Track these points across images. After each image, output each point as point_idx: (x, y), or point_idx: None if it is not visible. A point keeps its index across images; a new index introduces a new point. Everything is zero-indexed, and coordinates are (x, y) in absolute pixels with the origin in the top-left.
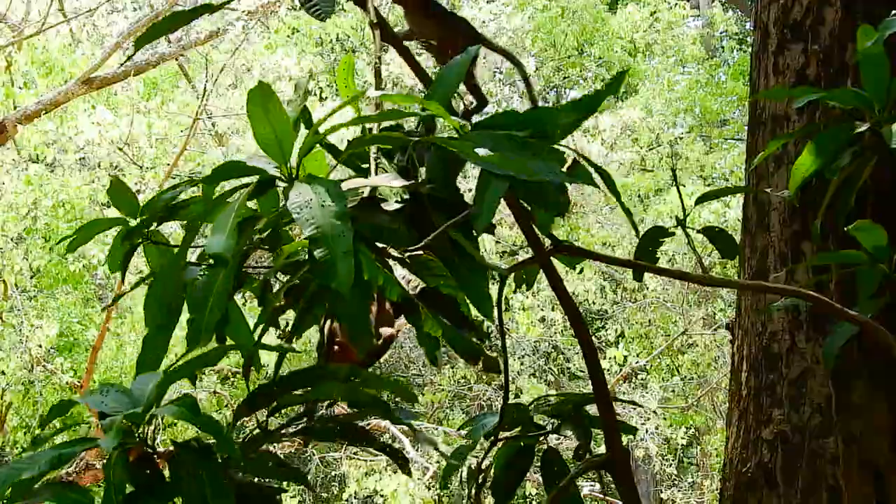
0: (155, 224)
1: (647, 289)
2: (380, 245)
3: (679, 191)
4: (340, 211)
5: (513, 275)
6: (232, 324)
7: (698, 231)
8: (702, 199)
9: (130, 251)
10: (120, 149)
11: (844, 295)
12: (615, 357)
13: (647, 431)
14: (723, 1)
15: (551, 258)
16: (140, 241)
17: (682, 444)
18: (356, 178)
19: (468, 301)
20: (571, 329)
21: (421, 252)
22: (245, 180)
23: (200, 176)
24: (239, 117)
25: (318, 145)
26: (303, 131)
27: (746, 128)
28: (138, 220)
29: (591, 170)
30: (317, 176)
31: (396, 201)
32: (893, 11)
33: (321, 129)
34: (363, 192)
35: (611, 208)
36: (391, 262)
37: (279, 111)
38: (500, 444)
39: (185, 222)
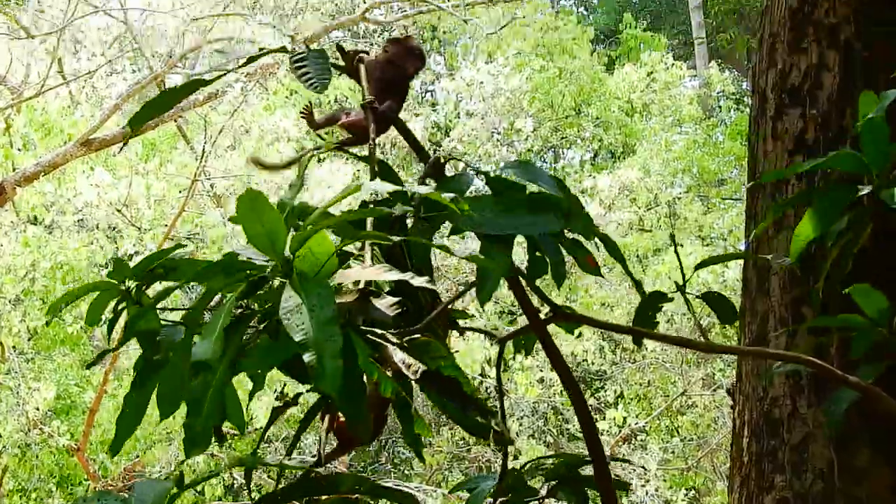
0: (144, 287)
1: (647, 349)
2: (377, 331)
3: (678, 256)
4: (329, 316)
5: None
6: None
7: (697, 296)
8: (701, 266)
9: (117, 314)
10: (118, 210)
11: (846, 359)
12: (614, 418)
13: (647, 493)
14: (719, 61)
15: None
16: (126, 304)
17: None
18: (348, 268)
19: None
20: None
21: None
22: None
23: (195, 238)
24: (237, 178)
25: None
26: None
27: (744, 188)
28: (126, 284)
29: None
30: (308, 276)
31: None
32: (893, 75)
33: (315, 221)
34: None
35: (609, 268)
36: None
37: (270, 212)
38: None
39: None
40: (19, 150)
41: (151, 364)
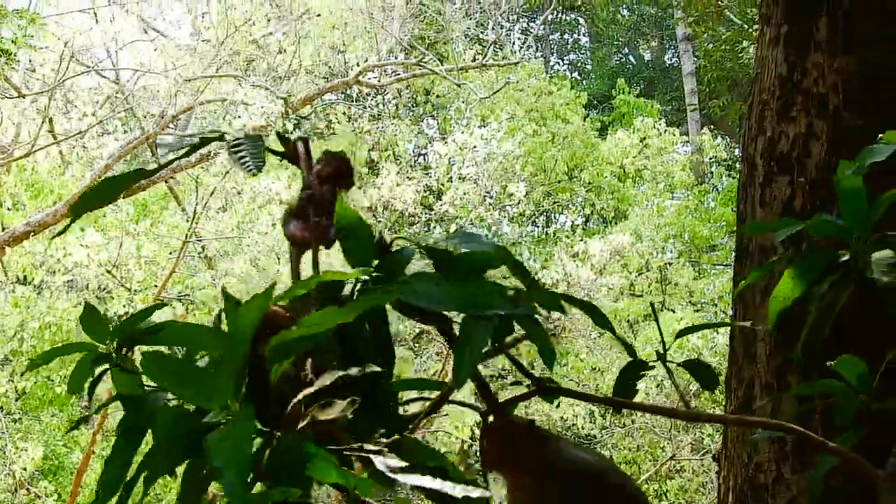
0: (125, 350)
1: (636, 415)
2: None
3: (659, 326)
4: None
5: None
6: None
7: (679, 364)
8: (682, 334)
9: (97, 377)
10: (108, 271)
11: (830, 424)
12: None
13: None
14: (712, 127)
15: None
16: (107, 366)
17: None
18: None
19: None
20: None
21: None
22: None
23: (185, 299)
24: (229, 241)
25: None
26: None
27: (734, 255)
28: (106, 346)
29: (572, 304)
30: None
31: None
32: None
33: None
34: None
35: (600, 334)
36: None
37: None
38: None
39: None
40: (9, 209)
41: (134, 429)
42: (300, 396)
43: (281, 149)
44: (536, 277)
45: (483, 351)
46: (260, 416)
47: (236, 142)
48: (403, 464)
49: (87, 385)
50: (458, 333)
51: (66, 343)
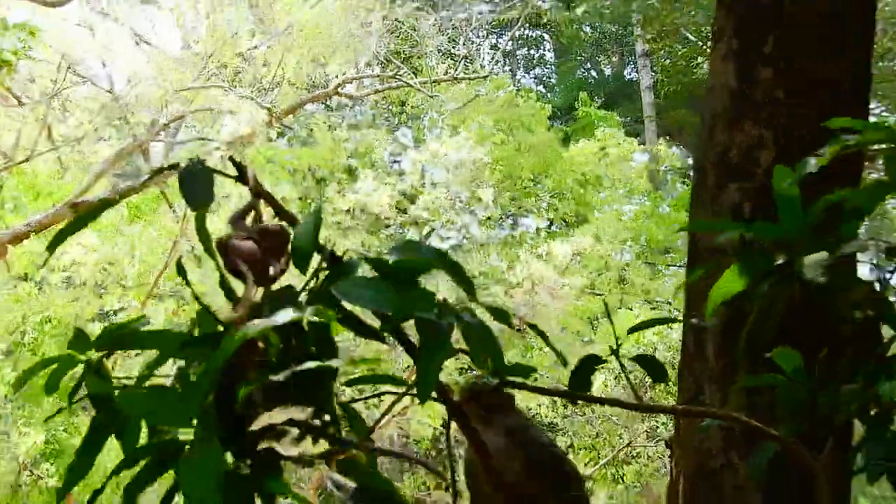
0: (104, 357)
1: (596, 404)
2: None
3: (612, 323)
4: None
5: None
6: None
7: (631, 359)
8: (633, 330)
9: (78, 382)
10: (104, 269)
11: (773, 414)
12: None
13: None
14: (668, 138)
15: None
16: (85, 373)
17: None
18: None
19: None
20: None
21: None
22: None
23: (177, 295)
24: (217, 240)
25: None
26: None
27: (687, 257)
28: (87, 355)
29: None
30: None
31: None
32: (817, 152)
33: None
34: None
35: (562, 328)
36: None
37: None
38: None
39: None
40: (11, 211)
41: (103, 425)
42: (258, 426)
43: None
44: (503, 276)
45: (440, 367)
46: (226, 436)
47: (188, 174)
48: (351, 485)
49: (69, 388)
50: (418, 349)
51: (66, 338)
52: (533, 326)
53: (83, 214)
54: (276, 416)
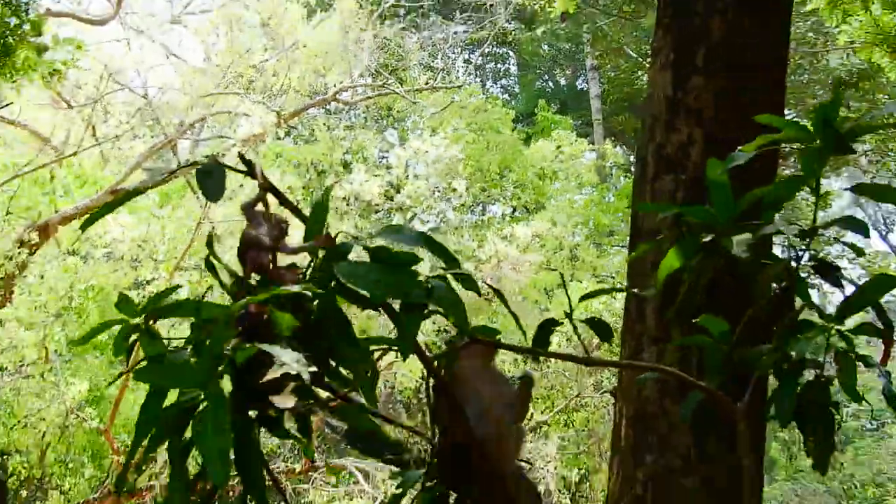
0: (151, 322)
1: (550, 362)
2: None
3: (567, 290)
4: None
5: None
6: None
7: (582, 321)
8: (585, 297)
9: (132, 344)
10: (139, 245)
11: (703, 368)
12: None
13: (548, 472)
14: (612, 138)
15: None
16: (137, 335)
17: (575, 482)
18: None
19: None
20: None
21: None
22: None
23: (200, 268)
24: (234, 223)
25: None
26: None
27: (629, 238)
28: (137, 320)
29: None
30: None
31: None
32: (740, 147)
33: None
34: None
35: (523, 298)
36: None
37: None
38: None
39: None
40: (60, 196)
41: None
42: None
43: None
44: (474, 254)
45: (418, 329)
46: (238, 393)
47: (204, 171)
48: (343, 426)
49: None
50: (398, 314)
51: (108, 302)
52: (496, 291)
53: (115, 199)
54: (277, 372)
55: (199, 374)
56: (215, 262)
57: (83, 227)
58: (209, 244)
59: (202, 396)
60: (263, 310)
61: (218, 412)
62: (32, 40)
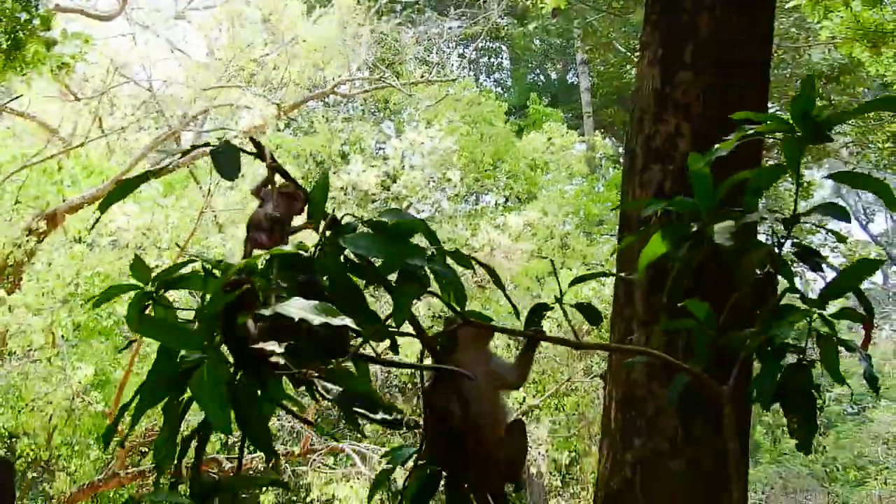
0: (162, 291)
1: (541, 346)
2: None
3: (557, 276)
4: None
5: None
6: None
7: (572, 306)
8: (574, 282)
9: (143, 310)
10: (143, 233)
11: (690, 351)
12: (515, 397)
13: (539, 454)
14: (602, 131)
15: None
16: (150, 303)
17: (566, 464)
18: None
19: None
20: None
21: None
22: None
23: (201, 256)
24: (235, 212)
25: None
26: None
27: (618, 227)
28: (149, 287)
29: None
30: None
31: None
32: (723, 139)
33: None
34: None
35: (515, 286)
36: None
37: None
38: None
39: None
40: (68, 186)
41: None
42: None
43: (253, 150)
44: (467, 242)
45: (412, 300)
46: (234, 355)
47: (219, 151)
48: (338, 388)
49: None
50: (395, 285)
51: (118, 284)
52: (489, 270)
53: (127, 182)
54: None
55: (199, 334)
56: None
57: (102, 209)
58: None
59: (200, 360)
60: (248, 281)
61: (216, 366)
62: (42, 35)
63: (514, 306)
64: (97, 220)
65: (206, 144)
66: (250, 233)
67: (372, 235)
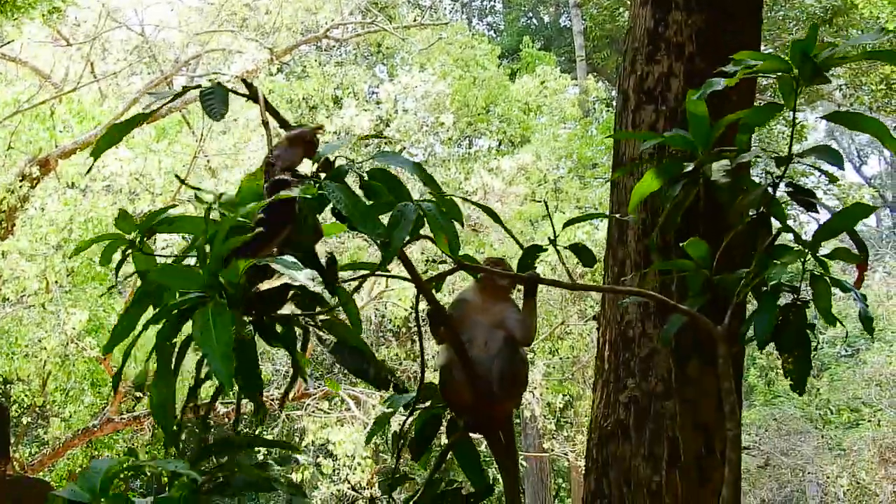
0: (145, 238)
1: (536, 290)
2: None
3: (551, 217)
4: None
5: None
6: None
7: (566, 247)
8: (569, 223)
9: (123, 258)
10: (136, 179)
11: (682, 292)
12: None
13: (534, 397)
14: (595, 74)
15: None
16: (130, 250)
17: (560, 408)
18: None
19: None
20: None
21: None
22: None
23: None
24: (227, 156)
25: None
26: None
27: (611, 168)
28: (131, 234)
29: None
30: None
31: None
32: (716, 71)
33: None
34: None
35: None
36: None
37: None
38: (416, 414)
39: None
40: (60, 131)
41: (145, 295)
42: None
43: (245, 91)
44: (461, 186)
45: (404, 238)
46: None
47: (207, 92)
48: (332, 338)
49: (115, 263)
50: (387, 226)
51: (100, 234)
52: (489, 211)
53: (120, 124)
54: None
55: (205, 276)
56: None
57: (95, 154)
58: None
59: (198, 302)
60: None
61: (221, 311)
62: None
63: (518, 242)
64: (91, 166)
65: (198, 87)
66: (268, 176)
67: (350, 193)
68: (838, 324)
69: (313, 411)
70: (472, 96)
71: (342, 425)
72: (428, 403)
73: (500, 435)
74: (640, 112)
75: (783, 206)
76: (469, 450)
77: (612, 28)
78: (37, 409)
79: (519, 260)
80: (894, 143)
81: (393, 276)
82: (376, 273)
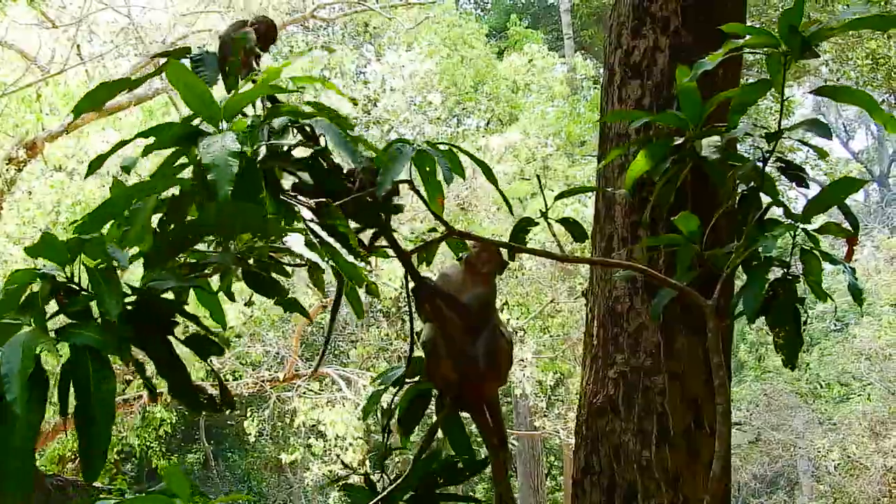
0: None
1: (525, 268)
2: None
3: (543, 192)
4: (235, 150)
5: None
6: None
7: (557, 221)
8: (560, 196)
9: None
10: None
11: (670, 268)
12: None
13: (524, 376)
14: (582, 52)
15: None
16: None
17: (551, 385)
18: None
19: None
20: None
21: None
22: None
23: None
24: None
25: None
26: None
27: (598, 145)
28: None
29: (472, 163)
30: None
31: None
32: (707, 56)
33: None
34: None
35: (497, 208)
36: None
37: (198, 84)
38: (405, 389)
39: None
40: (47, 114)
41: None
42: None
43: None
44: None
45: (399, 172)
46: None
47: (198, 58)
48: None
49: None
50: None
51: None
52: (483, 165)
53: (106, 84)
54: None
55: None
56: None
57: (76, 112)
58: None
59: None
60: None
61: (231, 140)
62: None
63: (507, 202)
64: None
65: (188, 49)
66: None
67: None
68: (828, 298)
69: (304, 393)
70: (459, 75)
71: (333, 406)
72: (416, 379)
73: (486, 414)
74: (626, 87)
75: (773, 181)
76: (457, 427)
77: (599, 5)
78: None
79: (511, 232)
80: (882, 115)
81: (384, 246)
82: (368, 248)
